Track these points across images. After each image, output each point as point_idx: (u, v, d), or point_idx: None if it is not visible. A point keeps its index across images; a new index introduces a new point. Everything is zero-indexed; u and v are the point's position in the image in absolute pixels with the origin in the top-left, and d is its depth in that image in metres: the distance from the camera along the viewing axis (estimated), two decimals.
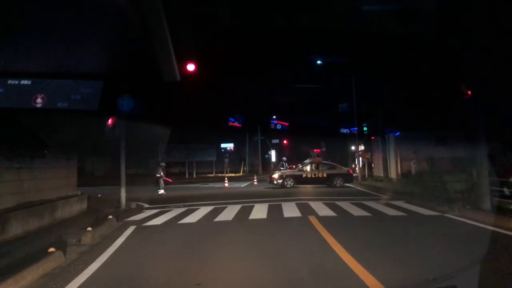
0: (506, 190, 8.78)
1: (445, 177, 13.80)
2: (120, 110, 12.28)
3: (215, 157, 38.98)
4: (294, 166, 26.05)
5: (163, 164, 19.69)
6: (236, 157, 42.35)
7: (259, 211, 11.15)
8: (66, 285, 4.96)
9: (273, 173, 23.32)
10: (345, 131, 28.78)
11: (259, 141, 42.51)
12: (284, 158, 30.46)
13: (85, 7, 8.02)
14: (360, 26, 10.59)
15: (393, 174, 23.03)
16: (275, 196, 15.78)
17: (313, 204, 12.30)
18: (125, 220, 10.25)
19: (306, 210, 11.06)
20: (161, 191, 18.62)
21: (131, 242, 7.60)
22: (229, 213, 11.05)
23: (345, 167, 23.77)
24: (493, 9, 8.17)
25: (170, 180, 20.01)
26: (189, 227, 9.19)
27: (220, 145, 41.05)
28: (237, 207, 12.10)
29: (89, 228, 7.86)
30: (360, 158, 27.53)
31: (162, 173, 19.18)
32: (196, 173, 37.17)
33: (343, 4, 9.44)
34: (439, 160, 18.54)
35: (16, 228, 7.75)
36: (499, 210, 8.53)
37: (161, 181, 19.01)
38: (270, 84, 28.76)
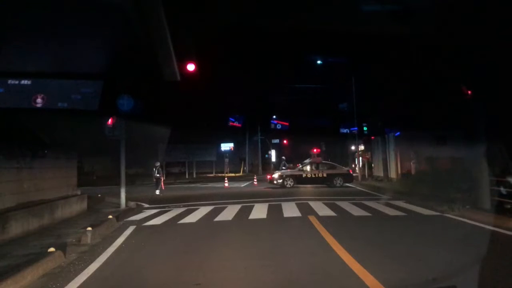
0: (503, 190, 8.79)
1: (445, 177, 13.80)
2: (120, 110, 12.28)
3: (215, 157, 38.96)
4: (298, 165, 25.59)
5: (158, 164, 19.54)
6: (236, 157, 42.31)
7: (259, 211, 11.16)
8: (66, 285, 4.96)
9: (273, 173, 23.30)
10: (345, 131, 28.76)
11: (259, 141, 42.48)
12: (284, 158, 30.41)
13: (85, 7, 8.02)
14: (360, 26, 10.58)
15: (393, 174, 23.04)
16: (275, 196, 15.78)
17: (313, 204, 12.30)
18: (125, 220, 10.26)
19: (306, 210, 11.06)
20: (157, 192, 18.55)
21: (131, 242, 7.60)
22: (229, 213, 11.05)
23: (345, 167, 23.77)
24: (493, 9, 8.17)
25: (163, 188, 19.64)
26: (189, 227, 9.20)
27: (220, 145, 41.01)
28: (237, 207, 12.10)
29: (89, 228, 7.87)
30: (360, 158, 27.53)
31: (158, 173, 19.10)
32: (196, 173, 37.16)
33: (343, 4, 9.43)
34: (439, 160, 18.55)
35: (16, 228, 7.76)
36: (499, 210, 8.53)
37: (161, 182, 18.95)
38: (270, 84, 28.77)
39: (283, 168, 26.02)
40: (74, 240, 7.46)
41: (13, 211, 7.96)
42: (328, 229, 7.89)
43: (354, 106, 24.85)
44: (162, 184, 19.33)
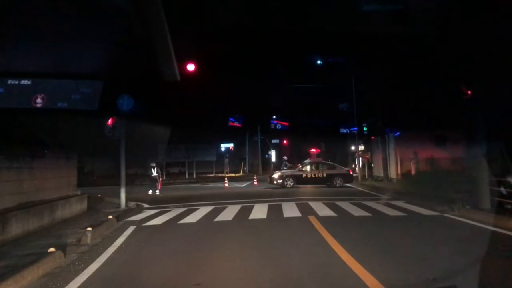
0: (503, 190, 8.79)
1: (445, 177, 13.80)
2: (120, 110, 12.28)
3: (215, 157, 38.98)
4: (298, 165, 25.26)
5: (153, 164, 19.36)
6: (236, 157, 42.33)
7: (259, 211, 11.16)
8: (66, 285, 4.96)
9: (273, 173, 23.30)
10: (345, 131, 28.76)
11: (259, 141, 42.49)
12: (285, 158, 30.42)
13: (85, 7, 8.02)
14: (360, 26, 10.58)
15: (393, 174, 23.04)
16: (275, 196, 15.77)
17: (313, 204, 12.30)
18: (125, 220, 10.25)
19: (306, 210, 11.06)
20: (150, 192, 18.24)
21: (131, 242, 7.60)
22: (229, 213, 11.05)
23: (345, 167, 23.76)
24: (493, 9, 8.17)
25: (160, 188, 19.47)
26: (189, 227, 9.19)
27: (220, 145, 41.05)
28: (237, 207, 12.10)
29: (89, 228, 7.86)
30: (360, 158, 27.53)
31: (157, 173, 18.87)
32: (196, 173, 37.17)
33: (343, 4, 9.44)
34: (439, 160, 18.57)
35: (16, 228, 7.76)
36: (499, 210, 8.52)
37: (156, 182, 18.70)
38: (270, 84, 28.79)
39: (284, 168, 26.01)
40: (74, 240, 7.46)
41: (13, 211, 7.96)
42: (328, 229, 7.89)
43: (354, 106, 24.85)
44: (160, 184, 19.14)
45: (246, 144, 41.95)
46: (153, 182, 18.65)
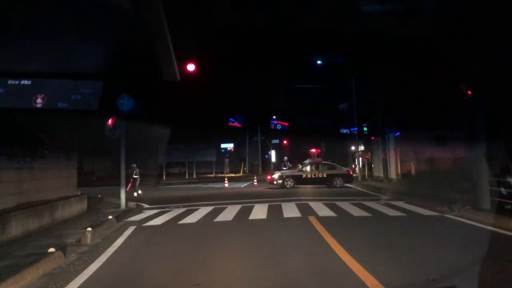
0: (503, 190, 8.79)
1: (444, 178, 13.80)
2: (120, 110, 12.28)
3: (215, 157, 38.97)
4: (298, 165, 25.13)
5: (134, 165, 19.33)
6: (236, 157, 42.34)
7: (259, 211, 11.15)
8: (66, 285, 4.96)
9: (273, 173, 23.29)
10: (345, 131, 28.77)
11: (259, 141, 42.49)
12: (286, 158, 30.44)
13: (85, 7, 8.03)
14: (360, 26, 10.59)
15: (393, 175, 23.04)
16: (275, 196, 15.77)
17: (313, 205, 12.30)
18: (125, 220, 10.26)
19: (306, 210, 11.06)
20: (140, 191, 18.13)
21: (131, 242, 7.60)
22: (229, 213, 11.05)
23: (345, 167, 23.75)
24: (493, 9, 8.18)
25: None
26: (189, 227, 9.19)
27: (220, 145, 41.05)
28: (237, 207, 12.10)
29: (89, 228, 7.86)
30: (360, 158, 27.53)
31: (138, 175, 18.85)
32: (196, 173, 37.16)
33: (343, 4, 9.44)
34: (439, 160, 18.58)
35: (16, 228, 7.76)
36: (499, 210, 8.52)
37: (136, 182, 18.65)
38: (270, 84, 28.84)
39: (284, 168, 25.99)
40: (74, 241, 7.46)
41: (13, 211, 7.96)
42: (328, 230, 7.89)
43: (354, 106, 24.86)
44: (130, 185, 18.93)
45: (246, 144, 41.94)
46: (134, 182, 18.58)
